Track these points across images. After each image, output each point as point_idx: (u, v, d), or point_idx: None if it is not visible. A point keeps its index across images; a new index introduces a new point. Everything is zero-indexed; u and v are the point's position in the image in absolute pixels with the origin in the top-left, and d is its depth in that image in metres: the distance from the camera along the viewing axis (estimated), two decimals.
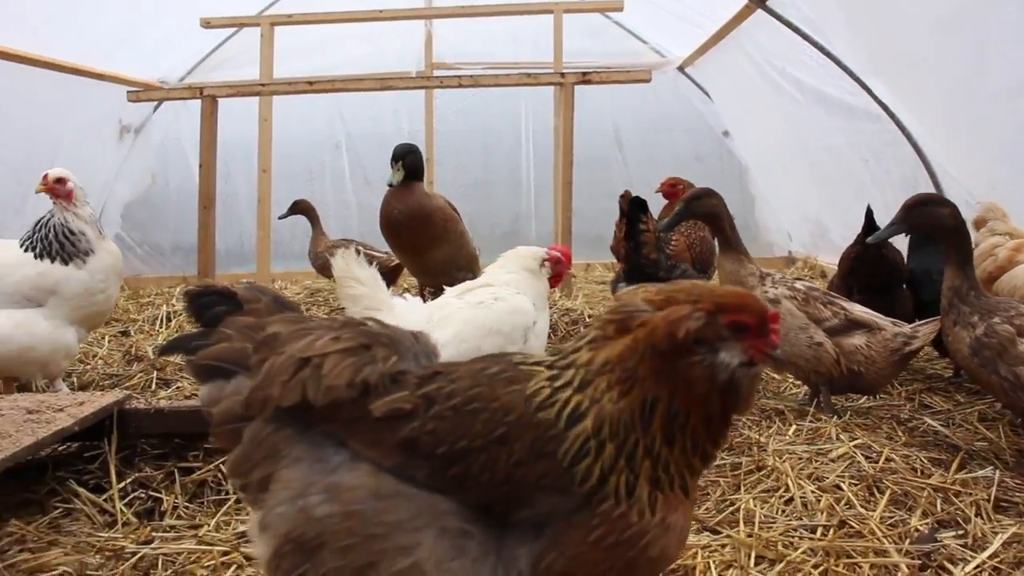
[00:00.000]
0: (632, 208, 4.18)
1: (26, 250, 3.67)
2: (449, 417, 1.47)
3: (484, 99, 9.12)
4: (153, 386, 3.92)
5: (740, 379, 1.48)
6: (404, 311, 2.57)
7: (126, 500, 2.80)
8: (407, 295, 2.72)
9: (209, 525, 2.61)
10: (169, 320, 5.41)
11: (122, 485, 2.84)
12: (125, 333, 5.14)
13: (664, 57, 9.45)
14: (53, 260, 3.64)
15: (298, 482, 1.50)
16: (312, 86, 6.73)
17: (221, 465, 2.94)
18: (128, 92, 7.39)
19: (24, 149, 7.34)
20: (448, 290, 2.86)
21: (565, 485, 1.42)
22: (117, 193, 8.67)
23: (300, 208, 6.98)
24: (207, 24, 8.11)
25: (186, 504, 2.81)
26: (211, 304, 1.72)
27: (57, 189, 3.78)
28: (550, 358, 1.55)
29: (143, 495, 2.85)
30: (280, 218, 7.11)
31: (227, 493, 2.84)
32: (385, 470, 1.47)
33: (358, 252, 6.43)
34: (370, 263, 6.42)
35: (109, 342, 4.86)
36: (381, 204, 5.17)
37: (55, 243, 3.67)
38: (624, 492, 1.42)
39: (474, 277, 5.62)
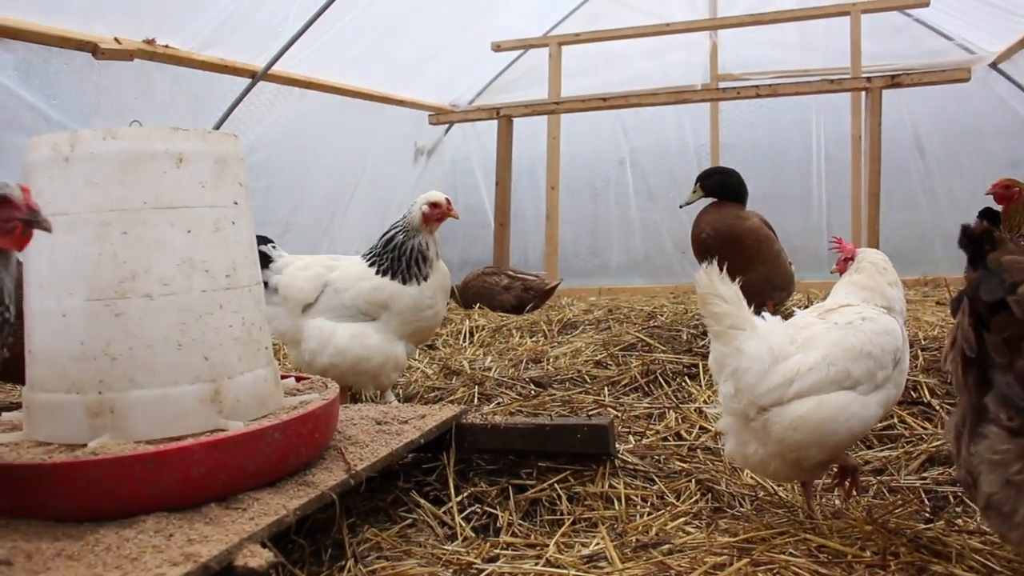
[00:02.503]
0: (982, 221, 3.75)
1: (371, 265, 3.85)
2: None
3: (772, 110, 8.75)
4: (476, 400, 4.00)
5: None
6: (766, 330, 2.40)
7: (463, 514, 2.82)
8: (765, 314, 2.54)
9: (548, 546, 2.57)
10: (472, 334, 5.55)
11: (459, 499, 2.88)
12: (432, 347, 5.32)
13: (973, 54, 8.62)
14: (394, 278, 3.80)
15: None
16: (605, 102, 6.74)
17: (556, 484, 2.91)
18: (429, 116, 7.80)
19: (335, 173, 7.95)
20: (800, 312, 2.66)
21: None
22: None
23: None
24: (497, 48, 8.40)
25: (520, 521, 2.80)
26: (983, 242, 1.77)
27: (434, 213, 3.86)
28: None
29: (479, 510, 2.87)
30: None
31: (561, 514, 2.80)
32: None
33: (511, 276, 6.48)
34: (523, 287, 6.49)
35: (420, 355, 5.05)
36: (692, 224, 5.08)
37: (405, 264, 3.80)
38: None
39: (789, 296, 5.43)
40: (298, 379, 3.01)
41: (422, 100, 8.73)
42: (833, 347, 2.35)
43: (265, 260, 3.82)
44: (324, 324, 3.80)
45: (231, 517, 2.11)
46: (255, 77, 6.24)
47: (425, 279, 3.81)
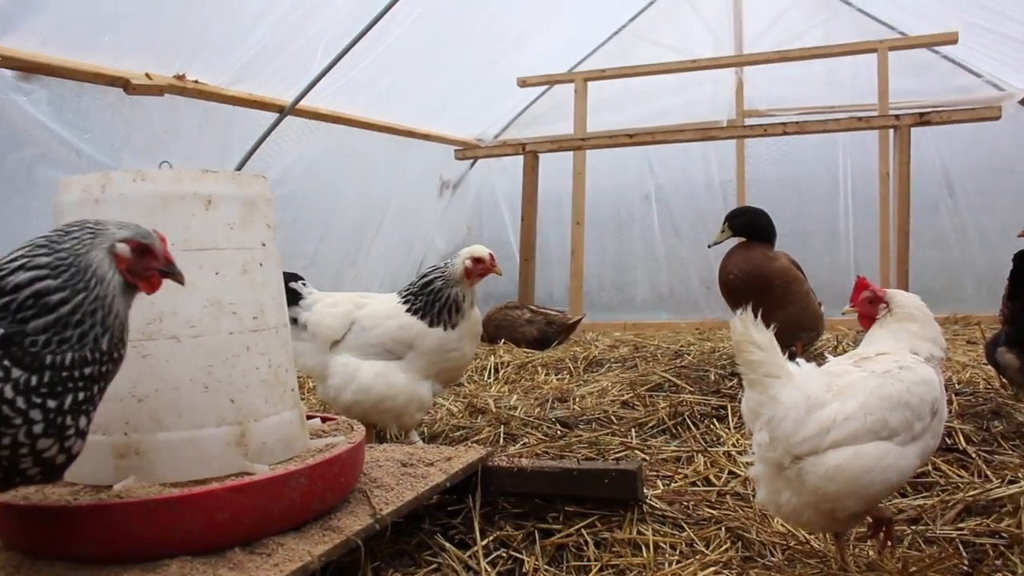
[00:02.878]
0: (1018, 263, 3.69)
1: (405, 302, 3.82)
2: None
3: (798, 146, 8.69)
4: (501, 441, 3.95)
5: None
6: (802, 378, 2.35)
7: (489, 559, 2.78)
8: (799, 360, 2.49)
9: None
10: (497, 371, 5.51)
11: (484, 543, 2.83)
12: (458, 383, 5.28)
13: (1003, 90, 8.54)
14: (423, 319, 3.77)
15: None
16: (632, 139, 6.73)
17: (583, 529, 2.86)
18: (455, 151, 7.83)
19: (361, 206, 7.97)
20: (833, 358, 2.60)
21: None
22: (436, 244, 9.18)
23: None
24: (523, 83, 8.43)
25: (546, 567, 2.75)
26: None
27: (477, 268, 3.79)
28: None
29: (504, 554, 2.82)
30: None
31: (588, 560, 2.75)
32: None
33: (533, 311, 6.46)
34: (546, 321, 6.43)
35: (445, 392, 5.00)
36: (720, 265, 5.06)
37: (437, 310, 3.75)
38: None
39: (818, 336, 5.37)
40: (324, 419, 2.99)
41: (448, 134, 8.78)
42: (870, 396, 2.30)
43: (295, 297, 3.83)
44: (349, 361, 3.77)
45: (255, 563, 2.08)
46: (283, 112, 6.28)
47: (453, 327, 3.77)
